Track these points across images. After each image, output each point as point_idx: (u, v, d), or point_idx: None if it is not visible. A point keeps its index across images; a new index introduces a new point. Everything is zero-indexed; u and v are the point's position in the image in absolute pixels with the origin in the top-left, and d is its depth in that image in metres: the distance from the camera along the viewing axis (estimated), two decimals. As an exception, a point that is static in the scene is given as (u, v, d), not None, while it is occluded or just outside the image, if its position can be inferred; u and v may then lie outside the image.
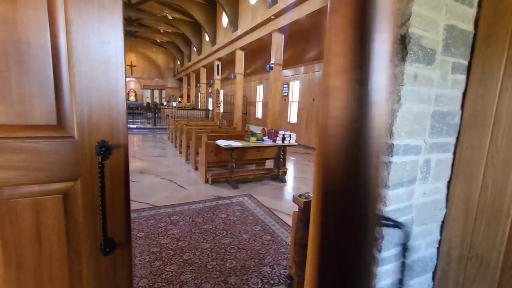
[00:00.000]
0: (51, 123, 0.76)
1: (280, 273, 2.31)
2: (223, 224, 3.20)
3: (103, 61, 0.81)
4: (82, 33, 0.77)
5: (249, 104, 15.34)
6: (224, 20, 11.99)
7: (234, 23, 10.44)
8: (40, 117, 0.75)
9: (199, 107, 17.01)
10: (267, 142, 5.09)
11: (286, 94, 11.57)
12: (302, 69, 10.52)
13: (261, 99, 14.45)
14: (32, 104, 0.74)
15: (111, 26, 0.81)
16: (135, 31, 18.10)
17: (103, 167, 0.78)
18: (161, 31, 16.46)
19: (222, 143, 4.66)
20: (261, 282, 2.17)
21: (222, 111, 14.77)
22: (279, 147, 5.27)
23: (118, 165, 0.86)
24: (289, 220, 3.35)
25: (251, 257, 2.52)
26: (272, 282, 2.19)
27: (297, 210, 2.02)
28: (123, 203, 0.89)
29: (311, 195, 1.79)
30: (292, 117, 11.43)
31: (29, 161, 0.75)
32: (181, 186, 4.68)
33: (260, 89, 14.57)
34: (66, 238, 0.82)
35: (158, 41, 20.03)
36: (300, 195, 1.85)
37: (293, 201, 1.87)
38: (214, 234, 2.95)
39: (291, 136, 5.15)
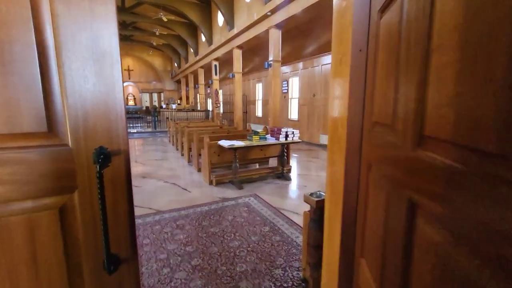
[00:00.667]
0: (41, 130, 0.68)
1: (293, 275, 2.23)
2: (230, 227, 3.12)
3: (96, 58, 0.72)
4: (71, 27, 0.69)
5: (248, 103, 15.24)
6: (220, 19, 11.87)
7: (230, 21, 10.33)
8: (29, 124, 0.67)
9: (199, 108, 16.90)
10: (270, 140, 5.01)
11: (286, 91, 11.47)
12: (300, 65, 10.41)
13: (260, 97, 14.35)
14: (19, 110, 0.66)
15: (104, 19, 0.73)
16: (130, 35, 17.99)
17: (102, 176, 0.70)
18: (157, 33, 16.32)
19: (224, 143, 4.58)
20: (274, 286, 2.09)
21: (222, 111, 14.69)
22: (282, 144, 5.19)
23: (119, 173, 0.78)
24: (297, 219, 3.28)
25: (261, 260, 2.44)
26: (285, 285, 2.11)
27: (307, 210, 1.94)
28: (127, 215, 0.81)
29: (323, 194, 1.71)
30: (293, 113, 11.34)
31: (19, 174, 0.67)
32: (185, 189, 4.60)
33: (259, 87, 14.46)
34: (65, 257, 0.74)
35: (154, 44, 19.88)
36: (311, 194, 1.77)
37: (304, 200, 1.78)
38: (222, 237, 2.87)
39: (294, 133, 5.07)
